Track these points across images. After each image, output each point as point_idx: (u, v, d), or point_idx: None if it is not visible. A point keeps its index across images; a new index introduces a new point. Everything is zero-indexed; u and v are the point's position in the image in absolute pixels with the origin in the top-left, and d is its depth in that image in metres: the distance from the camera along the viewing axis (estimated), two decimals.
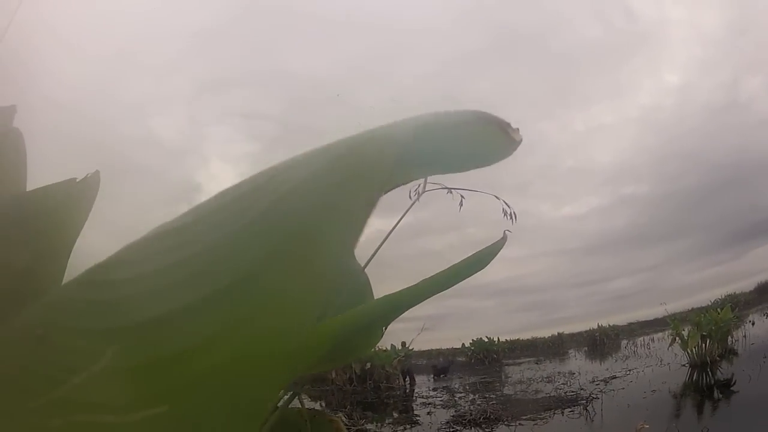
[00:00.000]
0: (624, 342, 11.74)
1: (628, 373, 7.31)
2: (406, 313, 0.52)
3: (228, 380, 0.16)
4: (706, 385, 5.76)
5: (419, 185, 0.75)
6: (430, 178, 0.75)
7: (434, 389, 8.57)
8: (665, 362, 7.52)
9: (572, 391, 6.55)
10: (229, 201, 0.24)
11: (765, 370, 5.47)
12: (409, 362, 9.46)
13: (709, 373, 6.29)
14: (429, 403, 7.16)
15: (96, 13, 4.99)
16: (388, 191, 0.19)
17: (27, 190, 0.61)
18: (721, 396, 5.07)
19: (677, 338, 7.06)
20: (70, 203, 0.57)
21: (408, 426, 5.72)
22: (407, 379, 9.23)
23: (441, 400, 7.30)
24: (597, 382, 6.90)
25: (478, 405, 6.50)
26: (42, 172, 0.63)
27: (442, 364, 10.37)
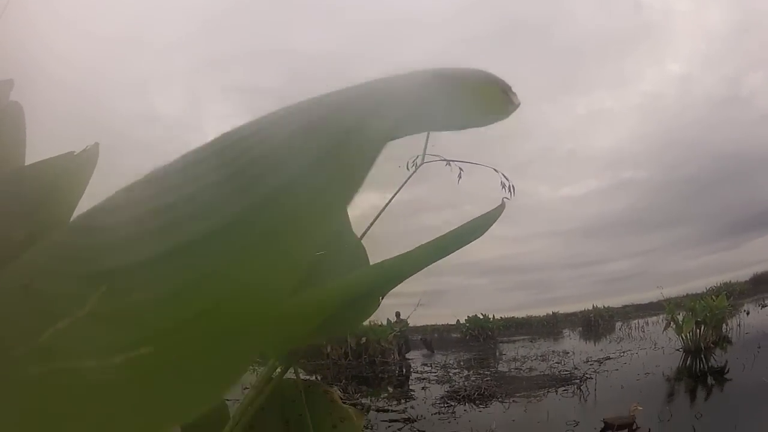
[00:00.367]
0: (618, 324, 11.88)
1: (622, 354, 7.40)
2: (401, 287, 0.51)
3: (210, 327, 0.16)
4: (700, 371, 5.83)
5: (417, 157, 0.73)
6: (427, 151, 0.74)
7: (426, 364, 8.70)
8: (659, 346, 7.61)
9: (566, 370, 6.64)
10: (218, 149, 0.23)
11: (759, 359, 5.52)
12: (405, 337, 9.60)
13: (703, 359, 6.37)
14: (423, 378, 7.28)
15: None
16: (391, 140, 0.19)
17: (26, 163, 0.62)
18: (714, 383, 5.13)
19: (672, 323, 7.13)
20: (68, 176, 0.58)
21: (403, 400, 5.82)
22: (402, 352, 9.38)
23: (435, 376, 7.43)
24: (591, 363, 6.99)
25: (473, 381, 6.61)
26: (42, 146, 0.64)
27: (426, 339, 10.67)
